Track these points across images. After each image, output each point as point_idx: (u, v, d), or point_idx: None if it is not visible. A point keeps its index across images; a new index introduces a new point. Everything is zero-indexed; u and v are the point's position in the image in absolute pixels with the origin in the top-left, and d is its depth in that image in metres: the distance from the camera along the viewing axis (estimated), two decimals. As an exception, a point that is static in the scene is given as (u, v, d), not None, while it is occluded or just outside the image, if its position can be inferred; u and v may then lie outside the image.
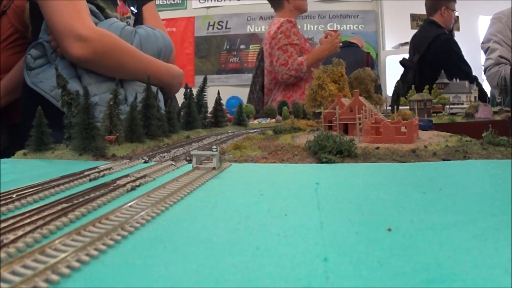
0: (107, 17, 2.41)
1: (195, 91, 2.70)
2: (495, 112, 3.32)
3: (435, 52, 4.75)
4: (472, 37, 6.87)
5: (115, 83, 2.01)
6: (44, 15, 2.20)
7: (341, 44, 4.52)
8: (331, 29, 7.25)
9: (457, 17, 7.09)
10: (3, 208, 0.75)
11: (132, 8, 2.63)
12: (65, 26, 2.13)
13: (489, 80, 4.64)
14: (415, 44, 5.25)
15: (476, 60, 6.02)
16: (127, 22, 2.54)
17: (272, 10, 6.84)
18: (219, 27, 7.44)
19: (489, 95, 4.51)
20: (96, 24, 2.27)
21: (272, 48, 4.31)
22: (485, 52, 4.73)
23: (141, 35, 2.41)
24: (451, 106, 3.53)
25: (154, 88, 2.20)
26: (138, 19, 2.70)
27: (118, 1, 2.54)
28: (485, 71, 4.70)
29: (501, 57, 4.50)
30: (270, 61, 4.40)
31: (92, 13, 2.34)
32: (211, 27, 7.44)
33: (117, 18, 2.48)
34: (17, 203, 0.79)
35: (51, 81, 2.24)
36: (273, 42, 4.28)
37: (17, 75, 2.47)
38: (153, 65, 2.41)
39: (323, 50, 4.32)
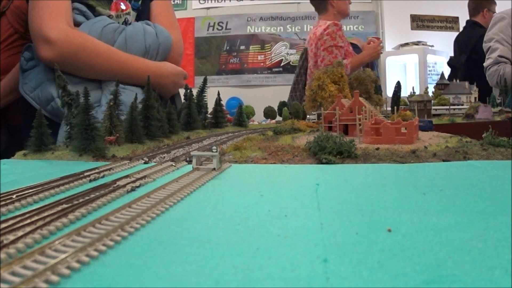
0: (98, 15, 2.39)
1: (195, 91, 2.70)
2: (495, 113, 3.32)
3: (481, 52, 4.88)
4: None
5: (115, 83, 2.01)
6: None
7: (381, 51, 4.73)
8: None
9: (457, 17, 7.11)
10: (3, 209, 0.75)
11: (134, 3, 2.58)
12: (36, 28, 2.15)
13: (489, 79, 4.66)
14: (460, 44, 5.52)
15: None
16: (125, 19, 2.49)
17: (271, 10, 6.83)
18: (219, 28, 7.45)
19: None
20: (81, 23, 2.26)
21: (318, 49, 4.40)
22: (486, 51, 4.75)
23: (127, 33, 2.34)
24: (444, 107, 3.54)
25: (135, 90, 2.17)
26: (144, 15, 2.63)
27: None
28: (485, 70, 4.72)
29: (500, 56, 4.52)
30: (314, 61, 4.47)
31: (81, 12, 2.33)
32: (211, 28, 7.44)
33: (111, 16, 2.45)
34: (17, 204, 0.79)
35: (33, 83, 2.25)
36: (319, 43, 4.37)
37: (16, 76, 2.47)
38: (131, 64, 2.31)
39: (366, 55, 4.52)
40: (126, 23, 2.53)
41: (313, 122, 2.85)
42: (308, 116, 3.39)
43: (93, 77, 2.16)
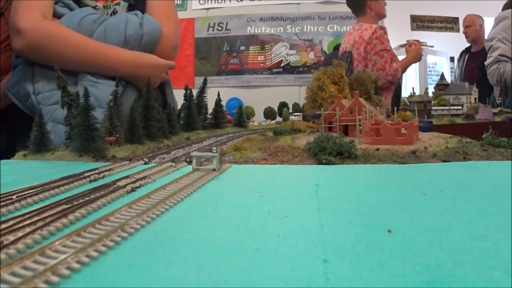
0: (84, 6, 2.34)
1: (195, 92, 2.70)
2: (495, 113, 3.32)
3: None
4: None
5: (115, 84, 2.01)
6: None
7: (422, 54, 5.01)
8: (331, 30, 7.25)
9: (457, 18, 7.11)
10: (3, 209, 0.75)
11: None
12: (11, 20, 2.15)
13: (489, 77, 4.69)
14: None
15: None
16: (114, 10, 2.44)
17: (271, 11, 6.82)
18: (219, 28, 7.44)
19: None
20: (62, 15, 2.24)
21: (368, 53, 4.49)
22: (488, 50, 4.77)
23: (108, 24, 2.27)
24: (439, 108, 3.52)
25: (109, 84, 2.08)
26: (138, 5, 2.55)
27: None
28: (486, 68, 4.74)
29: (501, 55, 4.54)
30: (364, 65, 4.55)
31: (65, 5, 2.30)
32: (211, 29, 7.44)
33: (98, 7, 2.39)
34: (17, 204, 0.79)
35: (14, 79, 2.25)
36: (369, 47, 4.45)
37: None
38: (104, 53, 2.21)
39: (411, 58, 4.81)
40: (114, 14, 2.46)
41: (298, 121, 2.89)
42: (291, 117, 3.41)
43: (63, 67, 2.12)
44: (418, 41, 5.06)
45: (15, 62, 2.33)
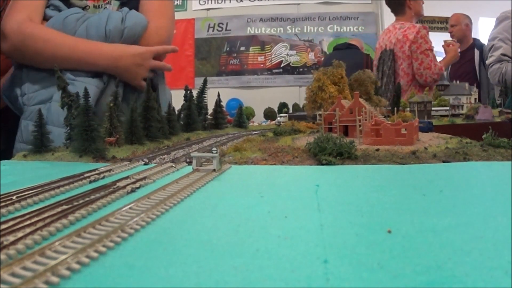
0: (72, 6, 2.37)
1: (195, 93, 2.70)
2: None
3: None
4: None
5: (115, 85, 2.02)
6: None
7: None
8: (331, 30, 7.26)
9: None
10: (3, 210, 0.75)
11: None
12: (1, 23, 2.20)
13: (490, 77, 4.70)
14: None
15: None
16: (104, 8, 2.45)
17: (271, 11, 6.82)
18: (219, 29, 7.44)
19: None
20: (51, 17, 2.27)
21: (413, 52, 4.61)
22: (489, 50, 4.77)
23: (90, 21, 2.29)
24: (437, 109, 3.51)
25: (87, 82, 2.09)
26: (131, 3, 2.55)
27: None
28: (487, 68, 4.75)
29: (503, 55, 4.54)
30: (408, 63, 4.67)
31: (55, 7, 2.33)
32: (211, 29, 7.44)
33: (88, 6, 2.41)
34: (17, 205, 0.79)
35: (7, 81, 2.29)
36: (414, 46, 4.58)
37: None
38: (81, 47, 2.21)
39: (451, 57, 5.08)
40: None
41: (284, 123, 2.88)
42: (278, 118, 3.40)
43: (44, 65, 2.13)
44: (455, 41, 5.34)
45: (14, 67, 2.37)
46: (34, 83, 2.21)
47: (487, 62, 4.74)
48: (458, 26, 5.79)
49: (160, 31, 2.53)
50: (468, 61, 5.49)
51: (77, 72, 2.23)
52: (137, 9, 2.53)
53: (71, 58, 2.17)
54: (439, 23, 7.30)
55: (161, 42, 2.53)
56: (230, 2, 7.50)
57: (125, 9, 2.44)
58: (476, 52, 5.55)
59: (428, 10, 7.04)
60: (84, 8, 2.44)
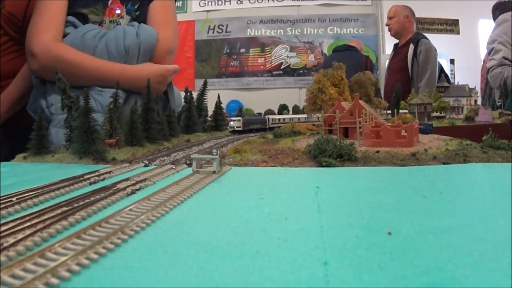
0: (87, 21, 2.49)
1: (195, 94, 2.71)
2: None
3: None
4: (472, 40, 6.89)
5: (115, 87, 2.02)
6: None
7: None
8: (331, 32, 7.26)
9: (457, 20, 7.11)
10: (3, 211, 0.75)
11: (129, 6, 2.63)
12: (26, 42, 2.33)
13: (491, 80, 4.66)
14: None
15: (476, 63, 6.03)
16: (117, 23, 2.55)
17: (271, 13, 6.83)
18: (219, 30, 7.45)
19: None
20: (67, 34, 2.39)
21: None
22: (489, 53, 4.74)
23: (107, 38, 2.41)
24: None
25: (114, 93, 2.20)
26: (141, 17, 2.68)
27: (108, 3, 2.56)
28: (488, 71, 4.71)
29: (504, 58, 4.51)
30: None
31: (71, 23, 2.43)
32: (211, 31, 7.45)
33: (104, 21, 2.52)
34: (17, 207, 0.79)
35: (32, 97, 2.42)
36: None
37: (18, 87, 2.52)
38: (107, 71, 2.36)
39: None
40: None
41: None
42: (230, 123, 3.32)
43: (73, 84, 2.24)
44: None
45: (34, 82, 2.47)
46: (58, 95, 2.29)
47: (488, 65, 4.71)
48: (396, 18, 5.19)
49: (167, 42, 2.66)
50: (405, 56, 5.04)
51: None
52: (145, 22, 2.65)
53: (99, 79, 2.30)
54: (439, 25, 7.30)
55: (169, 51, 2.67)
56: (230, 3, 7.51)
57: (135, 23, 2.56)
58: (411, 47, 5.00)
59: (428, 11, 7.06)
60: (100, 23, 2.54)
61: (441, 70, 5.08)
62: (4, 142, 2.58)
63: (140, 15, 2.68)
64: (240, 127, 2.67)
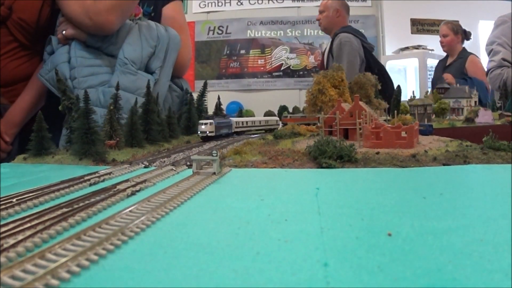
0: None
1: (195, 96, 2.71)
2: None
3: None
4: (472, 41, 6.89)
5: (115, 88, 2.02)
6: None
7: None
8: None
9: (457, 21, 7.12)
10: (3, 213, 0.75)
11: (146, 8, 2.73)
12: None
13: (491, 82, 4.65)
14: None
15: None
16: (136, 23, 2.60)
17: (271, 15, 6.81)
18: (219, 32, 7.46)
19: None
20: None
21: None
22: (489, 54, 4.74)
23: (139, 24, 2.55)
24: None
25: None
26: (156, 18, 2.76)
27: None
28: (487, 73, 4.70)
29: (504, 59, 4.50)
30: None
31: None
32: (211, 32, 7.45)
33: (134, 20, 2.61)
34: (17, 208, 0.79)
35: (48, 66, 2.36)
36: None
37: (31, 97, 2.51)
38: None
39: None
40: None
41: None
42: (201, 127, 3.17)
43: None
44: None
45: (49, 51, 2.46)
46: (83, 69, 2.34)
47: (488, 67, 4.70)
48: (326, 13, 4.64)
49: (186, 48, 2.83)
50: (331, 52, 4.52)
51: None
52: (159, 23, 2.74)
53: None
54: (439, 26, 7.30)
55: (189, 57, 2.91)
56: (230, 5, 7.52)
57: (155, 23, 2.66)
58: (329, 42, 4.62)
59: (428, 12, 7.07)
60: (132, 20, 2.63)
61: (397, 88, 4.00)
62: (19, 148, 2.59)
63: (154, 17, 2.74)
64: (213, 132, 2.18)
